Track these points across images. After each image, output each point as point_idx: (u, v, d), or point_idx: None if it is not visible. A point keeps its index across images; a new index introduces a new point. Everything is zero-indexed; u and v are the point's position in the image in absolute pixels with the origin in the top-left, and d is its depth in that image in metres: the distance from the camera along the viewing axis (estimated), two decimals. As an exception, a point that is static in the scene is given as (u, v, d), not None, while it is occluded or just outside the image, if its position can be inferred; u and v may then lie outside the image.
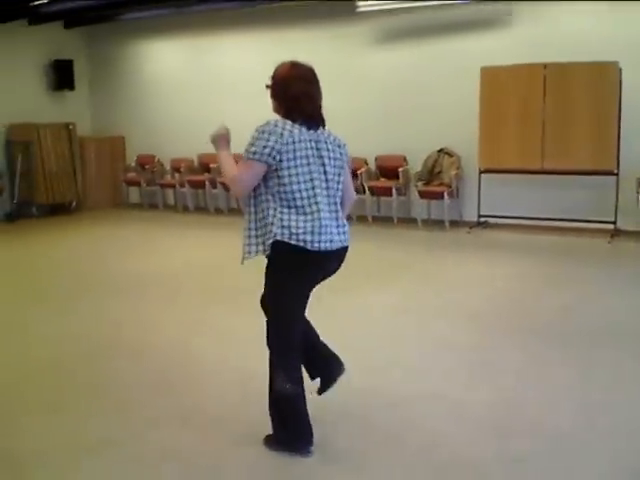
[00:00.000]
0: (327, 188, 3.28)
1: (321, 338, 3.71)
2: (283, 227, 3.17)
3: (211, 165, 11.80)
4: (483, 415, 3.89)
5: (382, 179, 10.64)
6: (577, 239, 8.94)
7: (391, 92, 10.50)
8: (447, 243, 9.21)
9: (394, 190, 10.23)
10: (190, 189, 12.13)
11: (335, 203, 3.32)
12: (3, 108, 11.73)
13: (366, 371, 4.54)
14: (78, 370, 4.72)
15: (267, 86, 3.39)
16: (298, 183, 3.18)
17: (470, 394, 4.17)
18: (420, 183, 10.17)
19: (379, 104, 10.56)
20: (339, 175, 3.36)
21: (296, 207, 3.19)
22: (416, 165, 10.34)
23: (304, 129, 3.24)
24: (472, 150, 9.55)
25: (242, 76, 11.50)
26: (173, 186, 12.44)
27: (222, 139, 3.38)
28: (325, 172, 3.28)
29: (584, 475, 3.24)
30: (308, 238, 3.17)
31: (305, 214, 3.19)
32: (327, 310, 5.70)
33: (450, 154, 10.12)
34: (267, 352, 4.46)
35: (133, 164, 13.01)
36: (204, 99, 12.03)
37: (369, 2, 9.91)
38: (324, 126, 3.36)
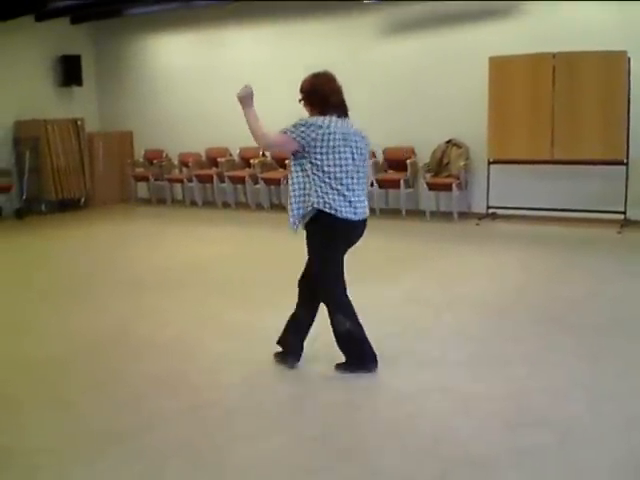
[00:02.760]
0: (353, 171, 4.06)
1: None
2: (319, 197, 3.97)
3: (219, 159, 11.81)
4: (492, 407, 3.87)
5: (390, 171, 10.61)
6: (587, 230, 8.88)
7: (398, 83, 10.46)
8: (456, 235, 9.17)
9: (402, 182, 10.19)
10: (198, 184, 12.12)
11: (359, 183, 4.10)
12: (11, 104, 11.74)
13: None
14: (84, 365, 4.73)
15: (300, 100, 4.15)
16: (328, 166, 3.98)
17: (479, 386, 4.14)
18: (428, 175, 10.13)
19: (387, 96, 10.52)
20: (364, 161, 4.19)
21: (327, 184, 3.97)
22: (424, 157, 10.30)
23: (338, 122, 4.03)
24: (481, 141, 9.50)
25: (249, 69, 11.47)
26: (181, 181, 12.44)
27: (247, 97, 4.03)
28: (353, 159, 4.07)
29: (594, 467, 3.21)
30: (338, 208, 3.97)
31: (333, 189, 3.97)
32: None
33: (458, 145, 10.07)
34: (273, 345, 4.48)
35: (141, 159, 13.02)
36: (212, 93, 11.99)
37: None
38: (347, 116, 4.15)
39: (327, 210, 3.97)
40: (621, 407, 3.80)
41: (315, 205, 3.98)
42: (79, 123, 12.28)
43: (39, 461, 3.41)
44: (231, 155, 11.91)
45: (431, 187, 10.13)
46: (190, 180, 12.17)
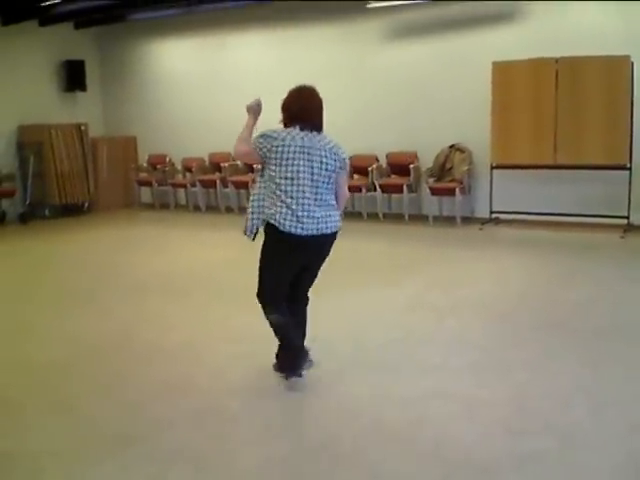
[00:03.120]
0: (312, 186, 3.99)
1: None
2: (269, 209, 4.00)
3: (222, 164, 11.83)
4: (495, 412, 3.86)
5: (393, 176, 10.61)
6: (589, 234, 8.87)
7: (402, 88, 10.46)
8: (459, 240, 9.16)
9: (405, 187, 10.20)
10: (201, 188, 12.15)
11: (319, 199, 4.03)
12: (14, 109, 11.79)
13: (377, 369, 4.53)
14: (87, 369, 4.73)
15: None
16: (279, 178, 3.97)
17: (482, 391, 4.14)
18: (431, 179, 10.13)
19: (390, 100, 10.52)
20: (329, 177, 4.06)
21: (278, 196, 3.97)
22: (427, 161, 10.30)
23: (298, 136, 4.00)
24: (484, 146, 9.50)
25: (252, 75, 11.49)
26: (184, 186, 12.46)
27: (251, 109, 4.24)
28: (312, 173, 3.99)
29: (596, 472, 3.20)
30: (282, 221, 3.94)
31: (282, 201, 3.95)
32: (337, 307, 5.71)
33: (461, 150, 10.07)
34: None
35: (145, 164, 13.05)
36: (215, 99, 12.03)
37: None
38: (319, 131, 4.09)
39: (273, 222, 3.97)
40: (623, 412, 3.79)
41: (264, 217, 4.03)
42: (83, 128, 12.32)
43: (43, 464, 3.41)
44: (234, 160, 11.91)
45: (434, 192, 10.12)
46: (193, 185, 12.19)
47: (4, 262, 8.64)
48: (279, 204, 3.95)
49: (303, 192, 3.96)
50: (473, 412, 3.86)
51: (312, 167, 3.98)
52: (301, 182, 3.96)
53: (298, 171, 3.95)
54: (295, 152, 3.96)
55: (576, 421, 3.69)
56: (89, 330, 5.57)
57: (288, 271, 4.15)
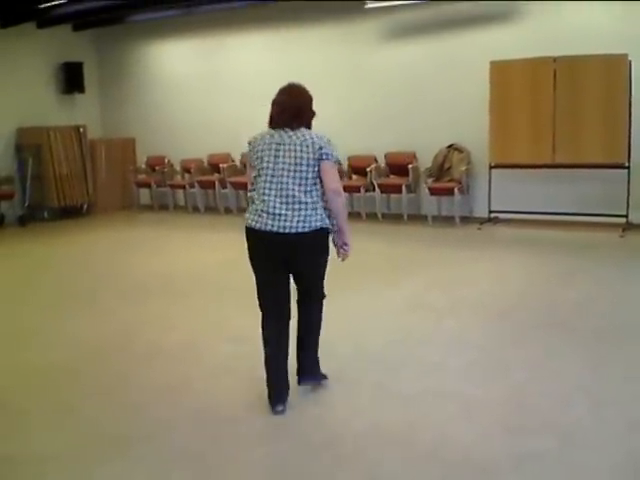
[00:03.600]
0: (276, 182, 3.88)
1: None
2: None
3: (221, 165, 11.83)
4: (494, 412, 3.87)
5: (392, 176, 10.62)
6: (589, 233, 8.87)
7: (400, 88, 10.47)
8: (458, 240, 9.16)
9: (404, 187, 10.20)
10: (200, 190, 12.15)
11: (285, 195, 3.85)
12: (13, 111, 11.78)
13: (377, 369, 4.53)
14: (90, 371, 4.74)
15: None
16: (253, 177, 3.99)
17: (481, 391, 4.14)
18: (430, 179, 10.14)
19: (388, 101, 10.52)
20: (301, 172, 3.86)
21: (250, 196, 4.01)
22: (426, 161, 10.30)
23: (268, 134, 3.97)
24: (482, 145, 9.50)
25: (251, 76, 11.51)
26: (183, 187, 12.46)
27: None
28: (275, 169, 3.88)
29: (595, 471, 3.21)
30: (246, 216, 3.98)
31: (251, 199, 3.99)
32: (337, 308, 5.68)
33: (460, 150, 10.08)
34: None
35: (143, 166, 13.05)
36: (214, 100, 12.04)
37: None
38: (292, 128, 3.91)
39: (245, 221, 4.01)
40: (622, 411, 3.80)
41: None
42: (81, 130, 12.32)
43: (46, 467, 3.42)
44: (233, 161, 11.93)
45: (433, 192, 10.13)
46: (192, 186, 12.19)
47: (3, 264, 8.65)
48: (250, 202, 4.00)
49: (263, 188, 3.89)
50: (472, 412, 3.87)
51: (277, 162, 3.86)
52: (263, 178, 3.90)
53: (262, 167, 3.91)
54: (263, 150, 3.92)
55: (575, 420, 3.70)
56: (90, 332, 5.57)
57: (268, 273, 4.03)
